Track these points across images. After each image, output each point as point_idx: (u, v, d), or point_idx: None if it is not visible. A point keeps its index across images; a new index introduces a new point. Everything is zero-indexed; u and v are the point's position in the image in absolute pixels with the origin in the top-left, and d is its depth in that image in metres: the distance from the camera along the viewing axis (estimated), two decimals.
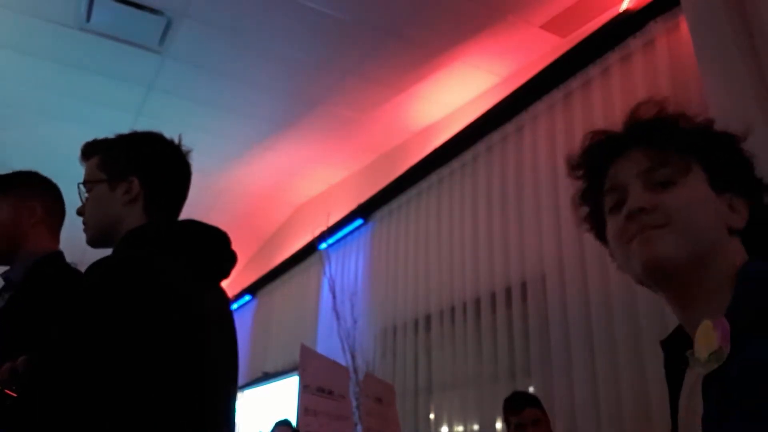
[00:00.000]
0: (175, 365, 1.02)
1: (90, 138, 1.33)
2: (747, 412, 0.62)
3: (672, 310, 0.81)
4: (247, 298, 6.28)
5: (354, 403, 2.06)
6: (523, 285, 2.97)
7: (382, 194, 4.22)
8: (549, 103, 3.07)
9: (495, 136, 3.39)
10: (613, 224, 0.83)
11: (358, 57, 3.51)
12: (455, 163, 3.67)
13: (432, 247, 3.69)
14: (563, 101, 2.99)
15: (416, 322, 3.70)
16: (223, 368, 1.18)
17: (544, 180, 2.94)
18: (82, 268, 1.11)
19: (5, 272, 1.61)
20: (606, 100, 2.72)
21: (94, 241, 1.27)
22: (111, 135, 1.32)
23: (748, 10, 2.13)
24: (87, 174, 1.30)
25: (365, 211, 4.40)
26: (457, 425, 3.23)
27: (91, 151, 1.31)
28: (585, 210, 0.91)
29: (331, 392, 1.84)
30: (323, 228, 4.52)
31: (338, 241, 4.68)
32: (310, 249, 4.97)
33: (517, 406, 2.40)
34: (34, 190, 1.67)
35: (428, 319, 3.59)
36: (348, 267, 4.55)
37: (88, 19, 3.23)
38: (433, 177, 3.84)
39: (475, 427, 3.09)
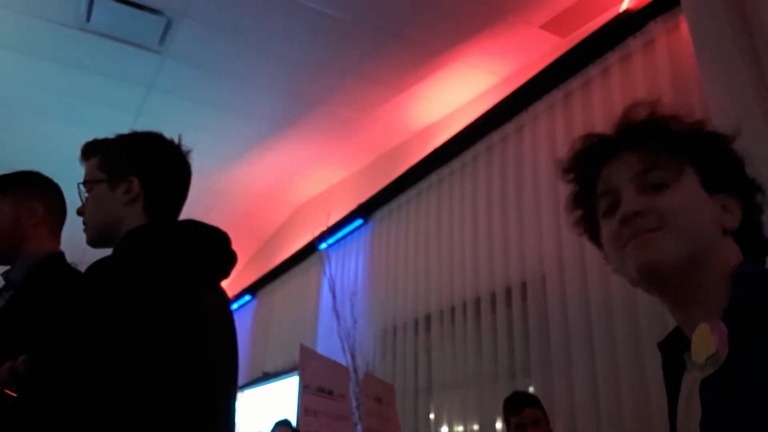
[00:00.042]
0: (175, 365, 1.02)
1: (90, 138, 1.33)
2: (748, 412, 0.62)
3: (669, 312, 0.81)
4: (247, 298, 6.28)
5: (354, 403, 2.06)
6: (523, 285, 2.97)
7: (382, 194, 4.22)
8: (549, 103, 3.07)
9: (495, 136, 3.39)
10: (607, 228, 0.82)
11: (358, 57, 3.51)
12: (455, 163, 3.67)
13: (432, 247, 3.69)
14: (563, 101, 2.99)
15: (416, 322, 3.70)
16: (223, 368, 1.18)
17: (544, 180, 2.95)
18: (82, 268, 1.11)
19: (6, 272, 1.61)
20: (606, 100, 2.72)
21: (94, 241, 1.27)
22: (111, 135, 1.32)
23: (748, 10, 2.14)
24: (87, 174, 1.30)
25: (365, 211, 4.40)
26: (457, 425, 3.23)
27: (91, 151, 1.31)
28: (578, 213, 0.91)
29: (331, 392, 1.84)
30: (323, 228, 4.52)
31: (338, 241, 4.68)
32: (310, 249, 4.97)
33: (517, 406, 2.40)
34: (35, 190, 1.67)
35: (428, 319, 3.59)
36: (348, 267, 4.55)
37: (88, 19, 3.23)
38: (433, 177, 3.84)
39: (475, 427, 3.09)
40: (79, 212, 1.30)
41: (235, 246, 1.27)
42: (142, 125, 1.37)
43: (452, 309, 3.40)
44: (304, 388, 1.76)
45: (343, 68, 3.61)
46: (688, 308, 0.77)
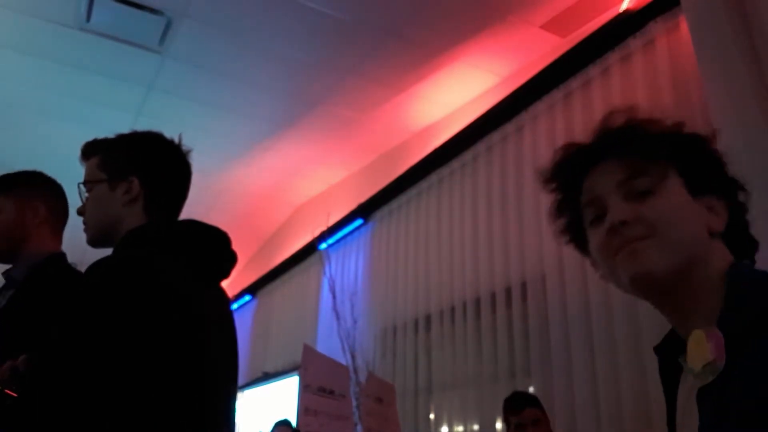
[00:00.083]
0: (175, 365, 1.02)
1: (90, 138, 1.33)
2: (749, 413, 0.62)
3: (664, 316, 0.81)
4: (247, 298, 6.28)
5: (354, 403, 2.06)
6: (523, 285, 2.97)
7: (382, 194, 4.22)
8: (549, 103, 3.07)
9: (495, 136, 3.39)
10: (594, 237, 0.82)
11: (358, 57, 3.51)
12: (455, 163, 3.67)
13: (432, 247, 3.69)
14: (563, 101, 2.99)
15: (416, 322, 3.70)
16: (223, 368, 1.18)
17: None
18: (83, 269, 1.11)
19: (7, 271, 1.62)
20: (606, 100, 2.72)
21: (94, 241, 1.27)
22: (111, 135, 1.32)
23: (748, 10, 2.13)
24: (87, 174, 1.30)
25: (365, 211, 4.40)
26: (457, 425, 3.23)
27: (91, 151, 1.31)
28: (562, 223, 0.90)
29: (331, 392, 1.84)
30: (323, 228, 4.52)
31: (338, 241, 4.68)
32: (310, 249, 4.97)
33: (517, 406, 2.40)
34: (38, 190, 1.67)
35: (428, 319, 3.59)
36: (348, 267, 4.55)
37: (88, 19, 3.23)
38: (433, 177, 3.84)
39: (475, 427, 3.09)
40: (80, 212, 1.30)
41: (235, 246, 1.27)
42: (142, 125, 1.37)
43: (452, 309, 3.40)
44: (305, 388, 1.77)
45: (343, 68, 3.61)
46: (683, 313, 0.77)
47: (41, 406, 0.92)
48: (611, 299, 2.45)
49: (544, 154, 3.00)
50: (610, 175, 0.81)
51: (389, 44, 3.38)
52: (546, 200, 0.88)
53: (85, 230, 1.28)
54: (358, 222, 4.49)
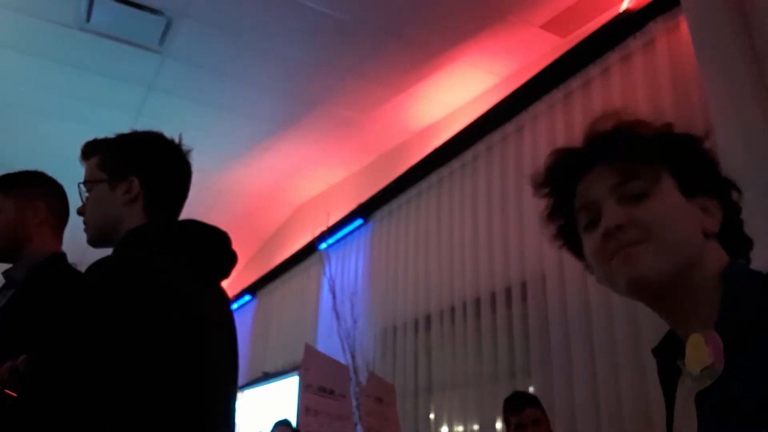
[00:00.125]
0: (175, 365, 1.02)
1: (90, 138, 1.33)
2: (750, 413, 0.62)
3: (662, 318, 0.81)
4: (247, 298, 6.28)
5: (354, 403, 2.06)
6: (523, 285, 2.97)
7: (382, 194, 4.22)
8: (549, 103, 3.06)
9: (495, 136, 3.39)
10: (589, 242, 0.81)
11: (358, 57, 3.51)
12: (455, 163, 3.67)
13: (432, 247, 3.69)
14: (563, 101, 2.99)
15: (416, 322, 3.70)
16: (223, 368, 1.18)
17: None
18: (83, 268, 1.11)
19: (7, 270, 1.62)
20: (606, 100, 2.72)
21: (94, 241, 1.27)
22: (111, 135, 1.32)
23: (748, 10, 2.13)
24: (87, 174, 1.30)
25: (365, 211, 4.40)
26: (457, 425, 3.23)
27: (92, 150, 1.31)
28: (556, 227, 0.90)
29: (332, 392, 1.84)
30: (323, 228, 4.52)
31: (338, 241, 4.68)
32: (310, 249, 4.97)
33: (517, 406, 2.40)
34: (39, 190, 1.68)
35: (428, 319, 3.59)
36: (348, 267, 4.55)
37: (88, 19, 3.23)
38: (433, 177, 3.84)
39: (475, 427, 3.09)
40: (80, 212, 1.30)
41: (235, 246, 1.27)
42: (142, 125, 1.37)
43: (452, 309, 3.40)
44: (305, 388, 1.77)
45: (343, 68, 3.61)
46: (680, 315, 0.77)
47: (41, 406, 0.92)
48: (611, 299, 2.45)
49: (544, 154, 2.95)
50: (602, 179, 0.80)
51: (389, 44, 3.38)
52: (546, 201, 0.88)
53: (86, 230, 1.28)
54: (358, 222, 4.49)
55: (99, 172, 1.27)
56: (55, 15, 3.25)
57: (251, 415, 5.38)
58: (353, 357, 3.31)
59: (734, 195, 0.83)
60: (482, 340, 3.14)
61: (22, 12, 3.24)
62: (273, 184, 5.11)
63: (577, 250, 0.87)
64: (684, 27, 2.44)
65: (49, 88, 3.88)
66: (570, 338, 2.63)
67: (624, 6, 2.75)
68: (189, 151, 1.32)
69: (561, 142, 2.93)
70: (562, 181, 0.86)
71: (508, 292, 3.05)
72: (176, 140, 1.31)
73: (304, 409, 1.73)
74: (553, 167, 0.87)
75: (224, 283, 1.29)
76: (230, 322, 1.26)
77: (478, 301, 3.23)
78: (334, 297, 3.89)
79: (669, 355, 0.80)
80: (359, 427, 2.03)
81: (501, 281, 3.11)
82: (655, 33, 2.58)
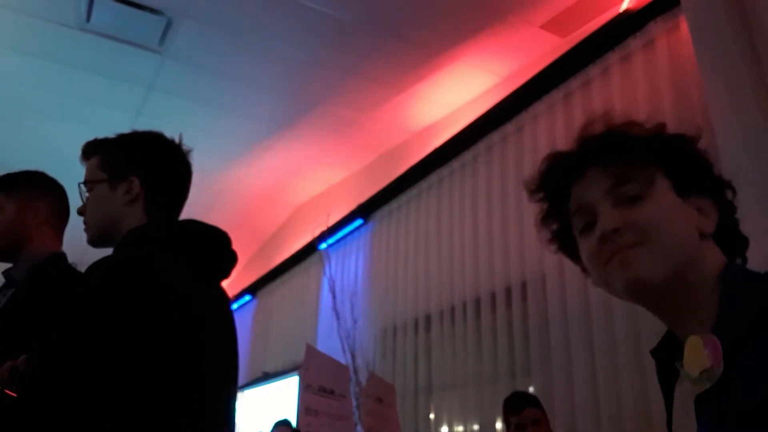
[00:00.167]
0: (174, 365, 1.02)
1: (90, 138, 1.33)
2: (750, 413, 0.62)
3: (660, 320, 0.81)
4: (247, 298, 6.28)
5: (354, 403, 2.06)
6: (523, 285, 2.97)
7: (382, 194, 4.22)
8: (549, 103, 3.06)
9: (495, 136, 3.39)
10: (585, 246, 0.81)
11: (358, 57, 3.51)
12: (455, 163, 3.67)
13: (432, 247, 3.69)
14: (563, 101, 2.99)
15: (416, 322, 3.70)
16: (223, 368, 1.18)
17: None
18: (83, 269, 1.11)
19: (7, 270, 1.62)
20: (606, 100, 2.72)
21: (94, 241, 1.27)
22: (111, 135, 1.32)
23: (748, 10, 2.13)
24: (88, 174, 1.30)
25: (365, 211, 4.40)
26: (457, 425, 3.23)
27: (92, 150, 1.31)
28: (551, 231, 0.89)
29: (332, 392, 1.84)
30: (323, 228, 4.52)
31: (338, 241, 4.68)
32: (310, 249, 4.97)
33: (517, 406, 2.40)
34: (39, 190, 1.68)
35: (428, 319, 3.59)
36: (348, 267, 4.55)
37: (88, 19, 3.23)
38: (433, 177, 3.84)
39: (475, 427, 3.09)
40: (80, 212, 1.30)
41: (235, 246, 1.27)
42: (142, 125, 1.37)
43: (452, 309, 3.40)
44: (306, 388, 1.77)
45: (343, 68, 3.61)
46: (679, 316, 0.77)
47: (41, 407, 0.92)
48: (611, 299, 2.45)
49: (544, 154, 2.99)
50: (597, 183, 0.80)
51: (389, 44, 3.38)
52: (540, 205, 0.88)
53: (86, 230, 1.28)
54: (358, 222, 4.49)
55: (99, 172, 1.27)
56: (55, 15, 3.25)
57: (251, 415, 5.38)
58: (353, 357, 3.31)
59: (729, 194, 0.82)
60: (482, 340, 3.14)
61: (22, 12, 3.24)
62: (273, 184, 5.11)
63: (573, 253, 0.86)
64: (684, 27, 2.44)
65: (49, 88, 3.88)
66: (570, 338, 2.63)
67: (624, 6, 2.75)
68: (189, 151, 1.32)
69: (561, 142, 2.94)
70: (556, 185, 0.86)
71: (508, 292, 3.05)
72: (176, 140, 1.31)
73: (304, 409, 1.73)
74: (547, 172, 0.87)
75: (224, 283, 1.29)
76: (230, 322, 1.26)
77: (478, 301, 3.23)
78: (334, 297, 3.89)
79: (668, 357, 0.79)
80: (359, 427, 2.03)
81: (501, 281, 3.11)
82: (655, 33, 2.58)
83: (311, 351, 1.85)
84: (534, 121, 3.14)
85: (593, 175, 0.81)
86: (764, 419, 0.60)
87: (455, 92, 3.73)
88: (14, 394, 1.00)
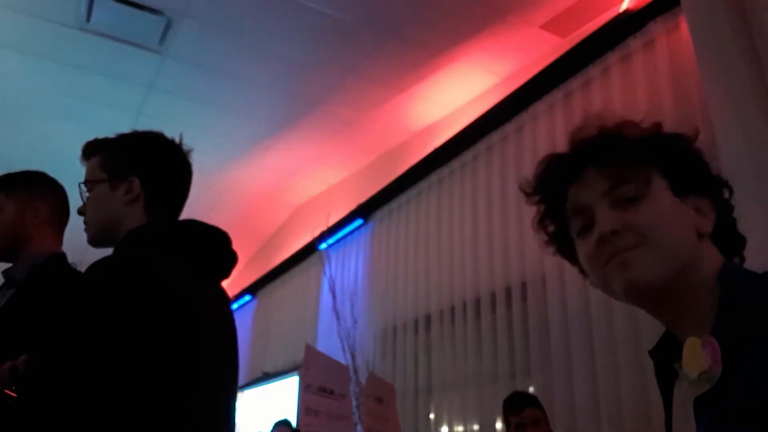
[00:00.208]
0: (174, 365, 1.02)
1: (90, 138, 1.33)
2: (750, 413, 0.62)
3: (658, 320, 0.80)
4: (247, 298, 6.28)
5: (354, 403, 2.06)
6: (523, 285, 2.97)
7: (382, 194, 4.22)
8: (549, 103, 3.07)
9: (495, 136, 3.39)
10: (583, 248, 0.80)
11: (358, 57, 3.51)
12: (455, 163, 3.67)
13: (432, 247, 3.69)
14: (563, 101, 2.99)
15: (416, 322, 3.70)
16: (223, 368, 1.18)
17: None
18: (83, 269, 1.11)
19: (7, 269, 1.62)
20: (606, 100, 2.72)
21: (95, 241, 1.27)
22: (111, 135, 1.32)
23: (748, 10, 2.13)
24: (88, 173, 1.30)
25: (365, 211, 4.40)
26: (457, 425, 3.23)
27: (92, 150, 1.31)
28: (548, 233, 0.89)
29: (332, 392, 1.84)
30: (323, 228, 4.52)
31: (338, 241, 4.68)
32: (310, 249, 4.97)
33: (517, 406, 2.40)
34: (40, 190, 1.68)
35: (428, 319, 3.59)
36: (348, 267, 4.55)
37: (88, 19, 3.23)
38: (433, 177, 3.84)
39: (475, 427, 3.09)
40: (80, 212, 1.30)
41: (235, 246, 1.27)
42: (142, 125, 1.37)
43: (452, 309, 3.40)
44: (305, 388, 1.77)
45: (343, 68, 3.61)
46: (677, 317, 0.77)
47: (41, 407, 0.92)
48: (611, 299, 2.44)
49: (544, 154, 2.99)
50: (594, 184, 0.79)
51: (389, 44, 3.38)
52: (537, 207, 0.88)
53: (86, 230, 1.28)
54: (358, 222, 4.49)
55: (100, 172, 1.27)
56: (55, 15, 3.25)
57: (251, 415, 5.38)
58: (353, 357, 3.31)
59: (726, 193, 0.82)
60: (482, 340, 3.14)
61: (22, 12, 3.24)
62: (273, 184, 5.11)
63: (571, 255, 0.86)
64: (684, 27, 2.44)
65: (49, 88, 3.88)
66: (570, 338, 2.63)
67: (624, 6, 2.75)
68: (189, 151, 1.32)
69: (561, 142, 2.92)
70: (553, 187, 0.85)
71: (508, 292, 3.05)
72: (177, 140, 1.31)
73: (304, 409, 1.73)
74: (543, 174, 0.87)
75: (224, 283, 1.29)
76: (230, 322, 1.26)
77: (478, 301, 3.23)
78: (334, 297, 3.89)
79: (666, 357, 0.79)
80: (359, 427, 2.03)
81: (501, 281, 3.11)
82: (655, 33, 2.58)
83: (311, 351, 1.85)
84: (534, 121, 3.14)
85: (590, 176, 0.80)
86: (765, 419, 0.60)
87: (455, 92, 3.73)
88: (14, 394, 1.00)
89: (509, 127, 3.30)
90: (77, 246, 1.49)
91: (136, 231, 1.18)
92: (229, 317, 1.26)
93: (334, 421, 1.80)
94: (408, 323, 3.75)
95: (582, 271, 0.85)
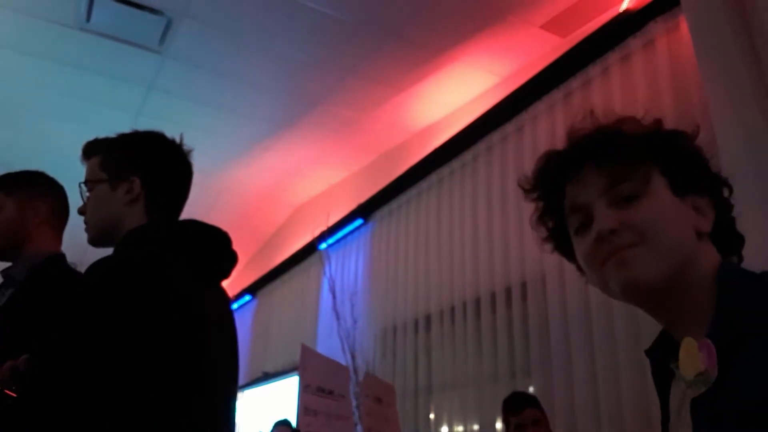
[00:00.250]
0: (175, 365, 1.02)
1: (90, 138, 1.33)
2: (749, 413, 0.62)
3: (655, 320, 0.80)
4: (247, 298, 6.28)
5: (354, 403, 2.06)
6: (523, 285, 2.97)
7: (382, 194, 4.22)
8: (549, 103, 3.06)
9: (495, 136, 3.39)
10: (581, 246, 0.80)
11: (358, 57, 3.51)
12: (455, 163, 3.67)
13: (432, 247, 3.69)
14: (563, 101, 2.99)
15: (416, 322, 3.70)
16: (223, 368, 1.18)
17: None
18: (83, 269, 1.11)
19: (7, 269, 1.62)
20: (606, 100, 2.72)
21: (95, 241, 1.27)
22: (111, 135, 1.32)
23: (748, 10, 2.13)
24: (88, 173, 1.30)
25: (365, 211, 4.40)
26: (457, 425, 3.23)
27: (93, 150, 1.31)
28: (545, 230, 0.89)
29: (331, 392, 1.84)
30: (323, 228, 4.52)
31: (338, 241, 4.68)
32: (310, 249, 4.97)
33: (516, 407, 2.40)
34: (40, 190, 1.68)
35: (428, 319, 3.59)
36: (348, 267, 4.55)
37: (88, 19, 3.23)
38: (433, 177, 3.84)
39: (475, 427, 3.09)
40: (81, 212, 1.30)
41: (235, 246, 1.27)
42: (142, 125, 1.37)
43: (452, 309, 3.40)
44: (304, 388, 1.77)
45: (343, 68, 3.61)
46: (675, 316, 0.76)
47: (41, 407, 0.92)
48: (611, 299, 2.44)
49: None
50: (592, 182, 0.79)
51: (389, 44, 3.38)
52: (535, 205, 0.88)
53: (86, 230, 1.28)
54: (358, 222, 4.49)
55: (100, 172, 1.27)
56: (55, 15, 3.25)
57: (251, 415, 5.38)
58: (353, 357, 3.31)
59: (725, 192, 0.82)
60: (482, 340, 3.14)
61: (22, 12, 3.24)
62: (273, 184, 5.11)
63: (569, 252, 0.86)
64: (684, 27, 2.44)
65: (49, 88, 3.88)
66: (570, 338, 2.63)
67: (624, 6, 2.75)
68: (190, 151, 1.32)
69: (561, 142, 2.93)
70: (551, 184, 0.85)
71: (508, 292, 3.05)
72: (177, 140, 1.31)
73: (303, 409, 1.73)
74: (541, 171, 0.86)
75: (224, 283, 1.29)
76: (230, 322, 1.26)
77: (478, 301, 3.23)
78: (334, 297, 3.89)
79: (663, 356, 0.79)
80: (359, 427, 2.03)
81: (501, 281, 3.11)
82: (655, 33, 2.58)
83: (306, 351, 1.85)
84: (534, 121, 3.14)
85: (588, 174, 0.80)
86: (763, 419, 0.60)
87: (455, 92, 3.73)
88: (14, 394, 1.00)
89: (509, 127, 3.30)
90: (77, 246, 1.49)
91: (136, 231, 1.18)
92: (229, 317, 1.26)
93: (333, 421, 1.81)
94: (408, 323, 3.75)
95: (580, 268, 0.84)
